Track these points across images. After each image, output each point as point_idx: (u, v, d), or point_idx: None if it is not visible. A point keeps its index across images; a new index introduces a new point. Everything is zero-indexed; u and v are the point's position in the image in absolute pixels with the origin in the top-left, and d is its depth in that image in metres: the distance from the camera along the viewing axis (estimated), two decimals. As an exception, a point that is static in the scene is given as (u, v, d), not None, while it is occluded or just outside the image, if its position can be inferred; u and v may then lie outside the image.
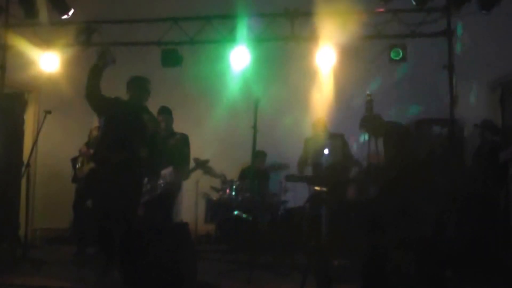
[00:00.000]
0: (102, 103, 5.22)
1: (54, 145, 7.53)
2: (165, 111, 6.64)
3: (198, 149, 7.20)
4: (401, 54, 6.53)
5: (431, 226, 5.27)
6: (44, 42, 7.33)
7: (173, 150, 6.45)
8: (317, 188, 5.92)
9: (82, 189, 6.81)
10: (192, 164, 7.23)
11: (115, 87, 7.26)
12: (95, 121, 6.78)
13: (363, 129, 5.35)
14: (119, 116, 5.20)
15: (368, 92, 5.35)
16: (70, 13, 7.12)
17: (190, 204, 8.16)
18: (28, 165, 6.15)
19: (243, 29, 7.01)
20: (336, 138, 6.76)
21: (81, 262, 5.99)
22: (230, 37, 7.06)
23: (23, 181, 6.33)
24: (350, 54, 7.11)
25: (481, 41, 6.78)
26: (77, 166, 7.02)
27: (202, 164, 7.39)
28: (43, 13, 7.08)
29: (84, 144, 6.96)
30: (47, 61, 7.46)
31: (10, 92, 7.43)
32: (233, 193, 7.78)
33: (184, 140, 6.72)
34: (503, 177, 5.65)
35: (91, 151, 6.55)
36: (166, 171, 6.29)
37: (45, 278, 4.98)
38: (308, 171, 7.13)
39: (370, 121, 5.14)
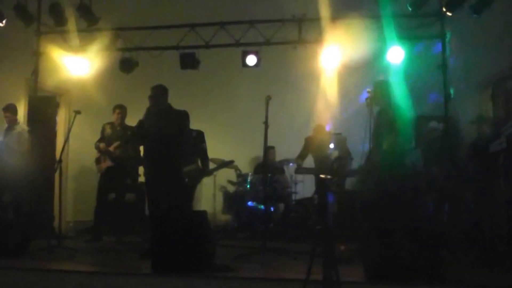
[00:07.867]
0: None
1: (83, 142, 7.97)
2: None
3: (213, 144, 7.68)
4: (399, 55, 6.97)
5: (426, 211, 5.74)
6: (73, 48, 7.85)
7: (191, 146, 6.97)
8: (322, 176, 6.36)
9: (102, 184, 7.38)
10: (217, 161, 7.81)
11: (138, 87, 7.88)
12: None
13: None
14: None
15: (368, 89, 5.75)
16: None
17: (209, 196, 8.73)
18: (60, 161, 6.36)
19: (255, 34, 7.48)
20: (337, 136, 7.53)
21: (101, 249, 6.65)
22: (242, 41, 7.53)
23: (56, 176, 6.73)
24: (353, 56, 7.52)
25: (473, 42, 7.15)
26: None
27: (227, 164, 7.91)
28: (72, 22, 7.60)
29: (98, 141, 7.35)
30: (77, 65, 7.95)
31: (43, 96, 8.03)
32: (248, 186, 8.35)
33: (200, 136, 7.24)
34: (496, 167, 6.01)
35: (111, 148, 7.19)
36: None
37: (77, 264, 5.53)
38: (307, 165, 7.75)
39: None
